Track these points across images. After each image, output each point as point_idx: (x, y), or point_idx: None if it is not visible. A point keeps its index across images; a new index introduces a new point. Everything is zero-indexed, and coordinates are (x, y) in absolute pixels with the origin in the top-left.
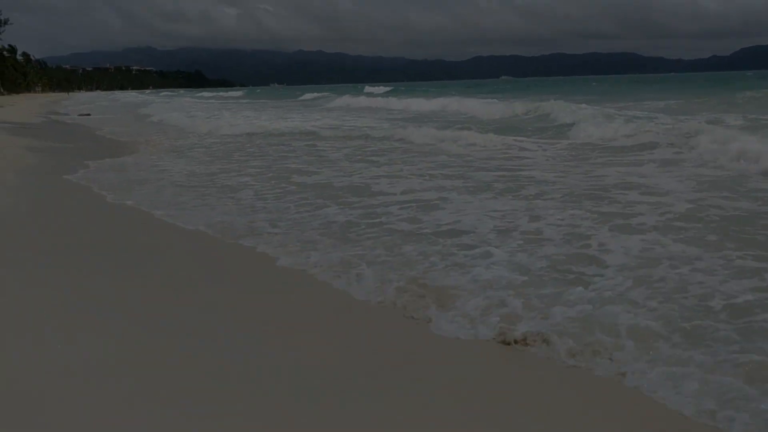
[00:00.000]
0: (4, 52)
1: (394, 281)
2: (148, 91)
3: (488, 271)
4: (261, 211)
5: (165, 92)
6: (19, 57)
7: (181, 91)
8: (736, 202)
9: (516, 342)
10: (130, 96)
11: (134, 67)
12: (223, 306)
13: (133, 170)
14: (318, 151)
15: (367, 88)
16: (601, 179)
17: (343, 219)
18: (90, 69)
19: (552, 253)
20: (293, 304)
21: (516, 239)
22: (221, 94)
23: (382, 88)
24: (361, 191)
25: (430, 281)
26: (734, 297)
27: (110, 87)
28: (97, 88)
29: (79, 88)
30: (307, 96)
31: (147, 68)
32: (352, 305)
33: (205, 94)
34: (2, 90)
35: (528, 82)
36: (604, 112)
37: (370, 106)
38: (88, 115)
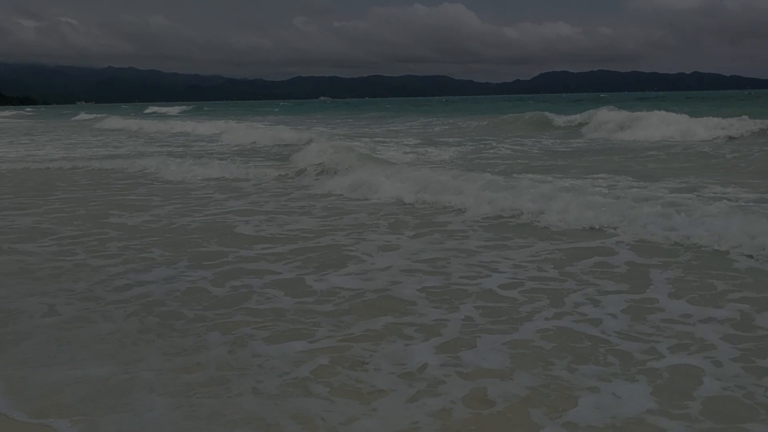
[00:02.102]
0: None
1: None
2: None
3: None
4: (58, 276)
5: None
6: None
7: None
8: None
9: None
10: None
11: None
12: None
13: None
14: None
15: (151, 108)
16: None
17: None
18: None
19: None
20: None
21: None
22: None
23: (176, 108)
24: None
25: None
26: None
27: None
28: None
29: None
30: (81, 116)
31: None
32: None
33: None
34: None
35: (345, 103)
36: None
37: (129, 128)
38: None
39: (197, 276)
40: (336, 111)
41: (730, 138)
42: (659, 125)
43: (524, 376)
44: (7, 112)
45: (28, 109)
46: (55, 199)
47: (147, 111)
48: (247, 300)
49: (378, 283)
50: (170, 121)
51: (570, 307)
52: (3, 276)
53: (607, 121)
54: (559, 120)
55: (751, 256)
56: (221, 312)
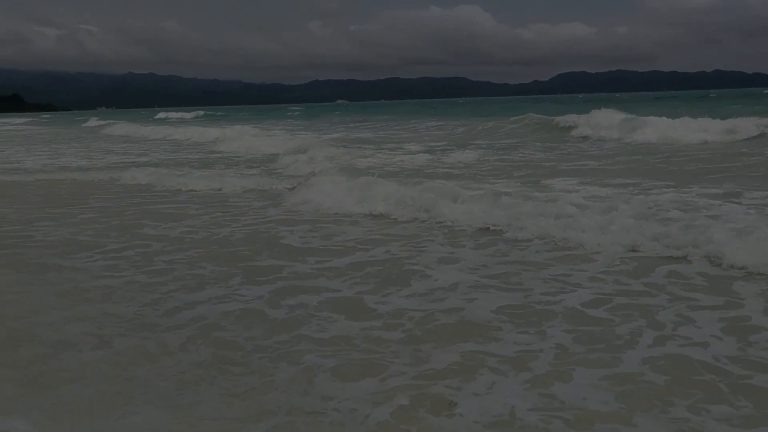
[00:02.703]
0: None
1: None
2: None
3: None
4: (105, 298)
5: None
6: None
7: None
8: None
9: None
10: None
11: None
12: None
13: None
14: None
15: (161, 114)
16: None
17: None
18: None
19: None
20: None
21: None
22: (4, 120)
23: (190, 113)
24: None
25: None
26: None
27: None
28: None
29: None
30: (90, 123)
31: None
32: None
33: None
34: None
35: (362, 105)
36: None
37: (144, 135)
38: None
39: (251, 295)
40: (353, 114)
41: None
42: (662, 127)
43: (644, 421)
44: (22, 119)
45: (45, 116)
46: (88, 208)
47: (158, 116)
48: (308, 324)
49: (449, 303)
50: (185, 127)
51: (669, 328)
52: (55, 297)
53: (612, 122)
54: (569, 120)
55: None
56: (282, 339)
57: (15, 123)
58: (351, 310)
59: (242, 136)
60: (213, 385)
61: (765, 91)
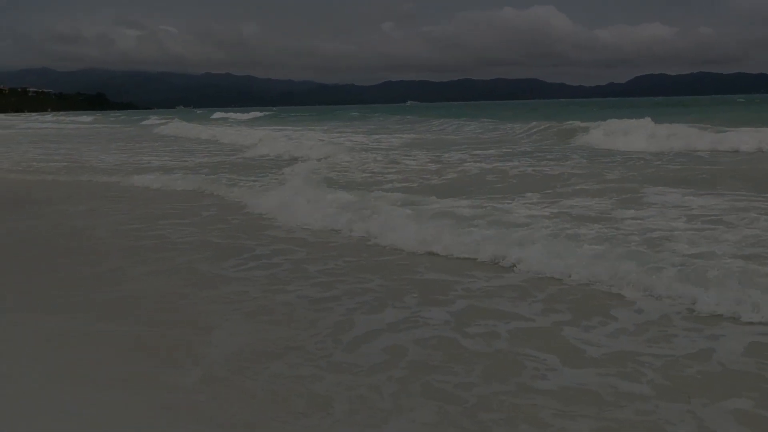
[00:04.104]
0: None
1: None
2: (34, 114)
3: None
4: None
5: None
6: None
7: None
8: None
9: None
10: None
11: (31, 89)
12: None
13: None
14: None
15: (217, 114)
16: None
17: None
18: None
19: None
20: None
21: None
22: (74, 118)
23: (253, 113)
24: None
25: None
26: None
27: (4, 109)
28: None
29: None
30: (148, 122)
31: (45, 90)
32: None
33: (63, 117)
34: None
35: (431, 107)
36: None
37: (182, 136)
38: None
39: (436, 319)
40: (415, 115)
41: None
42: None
43: None
44: (90, 117)
45: (117, 113)
46: (199, 206)
47: (213, 116)
48: (521, 368)
49: (680, 344)
50: (241, 128)
51: None
52: (243, 319)
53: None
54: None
55: None
56: (501, 389)
57: (84, 121)
58: (558, 347)
59: (312, 140)
60: None
61: None
